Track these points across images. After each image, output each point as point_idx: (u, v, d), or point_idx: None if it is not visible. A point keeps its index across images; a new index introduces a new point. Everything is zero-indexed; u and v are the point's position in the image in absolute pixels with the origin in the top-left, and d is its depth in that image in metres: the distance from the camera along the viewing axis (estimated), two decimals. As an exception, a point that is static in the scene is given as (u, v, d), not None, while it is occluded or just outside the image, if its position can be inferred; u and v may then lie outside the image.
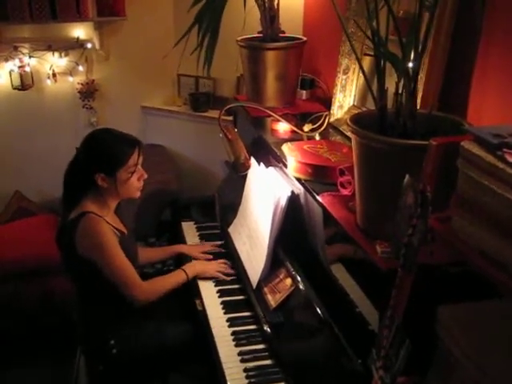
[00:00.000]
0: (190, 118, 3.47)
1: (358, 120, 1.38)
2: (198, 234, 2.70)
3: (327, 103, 2.71)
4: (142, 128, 3.52)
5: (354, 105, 2.26)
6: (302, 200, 1.98)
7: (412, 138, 1.29)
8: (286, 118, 2.09)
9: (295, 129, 2.05)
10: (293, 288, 1.91)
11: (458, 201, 1.05)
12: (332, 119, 2.33)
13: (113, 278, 2.00)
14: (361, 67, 1.47)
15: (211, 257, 2.43)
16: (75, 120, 3.47)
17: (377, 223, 1.38)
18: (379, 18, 1.37)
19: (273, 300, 1.94)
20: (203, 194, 3.39)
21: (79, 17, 3.11)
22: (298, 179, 1.82)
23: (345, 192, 1.65)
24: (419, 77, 1.38)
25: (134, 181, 2.07)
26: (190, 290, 2.28)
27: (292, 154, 1.81)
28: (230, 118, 3.30)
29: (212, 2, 1.33)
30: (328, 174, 1.73)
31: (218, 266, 2.29)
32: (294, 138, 2.22)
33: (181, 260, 2.57)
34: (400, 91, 1.33)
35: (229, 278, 2.27)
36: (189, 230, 2.74)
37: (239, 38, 2.62)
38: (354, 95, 2.26)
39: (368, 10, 1.30)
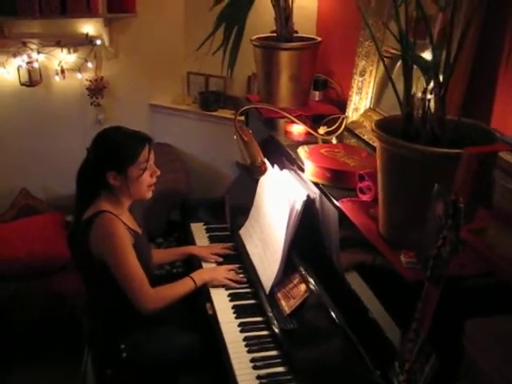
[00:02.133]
0: (199, 117, 3.42)
1: (383, 126, 1.34)
2: (207, 235, 2.66)
3: (340, 105, 2.67)
4: (150, 126, 3.46)
5: (370, 107, 2.21)
6: (318, 204, 1.94)
7: (440, 145, 1.26)
8: (302, 120, 2.04)
9: (312, 132, 2.01)
10: (307, 294, 1.87)
11: (495, 213, 1.01)
12: (344, 121, 2.28)
13: (122, 283, 1.97)
14: (386, 70, 1.42)
15: (221, 259, 2.39)
16: (83, 117, 3.43)
17: (401, 232, 1.34)
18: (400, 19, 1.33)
19: (287, 306, 1.91)
20: (212, 194, 3.35)
21: (89, 13, 3.06)
22: (316, 183, 1.78)
23: (364, 198, 1.62)
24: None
25: (146, 178, 2.03)
26: (200, 294, 2.24)
27: (310, 158, 1.77)
28: (242, 118, 3.27)
29: (237, 2, 1.28)
30: (347, 179, 1.70)
31: (226, 273, 2.23)
32: (309, 140, 2.18)
33: (189, 261, 2.54)
34: (427, 97, 1.29)
35: (238, 285, 2.22)
36: (198, 231, 2.70)
37: (253, 38, 2.58)
38: (371, 98, 2.21)
39: (397, 12, 1.26)
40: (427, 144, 1.27)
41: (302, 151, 1.98)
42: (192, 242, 2.65)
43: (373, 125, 1.35)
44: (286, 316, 1.88)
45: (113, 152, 1.98)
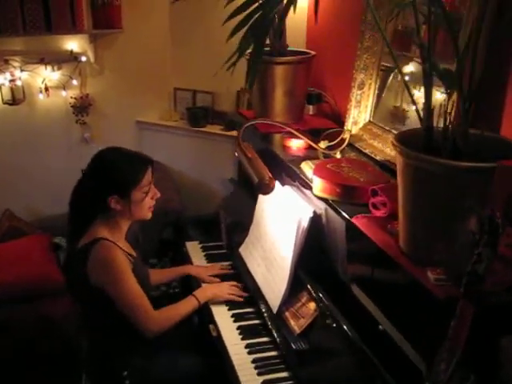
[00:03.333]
0: (187, 134, 3.37)
1: (403, 139, 1.32)
2: (203, 254, 2.60)
3: (335, 118, 2.66)
4: (138, 144, 3.41)
5: (370, 121, 2.20)
6: (323, 219, 1.91)
7: (463, 158, 1.23)
8: (306, 135, 2.01)
9: (317, 147, 1.98)
10: (317, 313, 1.82)
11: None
12: (346, 135, 2.26)
13: (125, 310, 1.90)
14: (406, 85, 1.39)
15: (219, 280, 2.33)
16: (68, 136, 3.35)
17: (425, 248, 1.31)
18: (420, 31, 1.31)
19: (296, 325, 1.86)
20: (203, 211, 3.29)
21: (74, 29, 3.00)
22: (325, 200, 1.75)
23: (378, 213, 1.59)
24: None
25: (148, 200, 1.97)
26: (202, 315, 2.18)
27: (318, 174, 1.74)
28: (230, 133, 3.23)
29: (262, 14, 1.23)
30: (357, 194, 1.67)
31: (229, 289, 2.20)
32: (309, 155, 2.15)
33: (186, 281, 2.47)
34: (449, 109, 1.27)
35: (242, 299, 2.18)
36: (194, 250, 2.64)
37: (247, 52, 2.54)
38: (371, 111, 2.20)
39: (417, 24, 1.24)
40: (449, 157, 1.25)
41: (307, 166, 1.95)
42: (188, 261, 2.58)
43: (393, 139, 1.32)
44: (296, 336, 1.83)
45: (115, 176, 1.91)
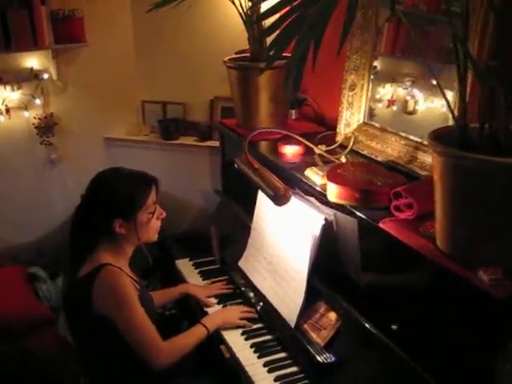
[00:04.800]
0: (159, 147, 3.25)
1: (439, 138, 1.28)
2: (197, 271, 2.50)
3: (319, 122, 2.62)
4: (107, 161, 3.24)
5: (364, 122, 2.16)
6: (334, 225, 1.86)
7: (504, 154, 1.21)
8: (309, 140, 1.96)
9: (321, 152, 1.92)
10: (340, 323, 1.77)
11: None
12: (339, 138, 2.22)
13: (134, 342, 1.77)
14: (440, 86, 1.35)
15: (215, 302, 2.22)
16: (33, 158, 3.15)
17: (472, 248, 1.27)
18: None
19: (318, 338, 1.79)
20: (184, 227, 3.19)
21: (35, 45, 2.82)
22: (341, 206, 1.69)
23: (402, 216, 1.54)
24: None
25: (154, 221, 1.87)
26: (210, 337, 2.08)
27: (333, 179, 1.68)
28: (205, 143, 3.14)
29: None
30: (378, 198, 1.62)
31: (239, 314, 2.08)
32: (306, 161, 2.10)
33: (182, 301, 2.35)
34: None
35: (254, 326, 2.07)
36: (186, 268, 2.54)
37: (226, 59, 2.48)
38: (364, 112, 2.16)
39: (450, 16, 1.21)
40: (487, 154, 1.22)
41: (312, 173, 1.89)
42: (182, 280, 2.48)
43: (428, 138, 1.29)
44: (320, 349, 1.77)
45: (119, 199, 1.79)
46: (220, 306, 2.19)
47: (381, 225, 1.52)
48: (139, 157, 3.29)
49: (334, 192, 1.69)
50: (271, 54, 1.24)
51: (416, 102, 2.00)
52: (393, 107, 2.10)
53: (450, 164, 1.25)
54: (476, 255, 1.27)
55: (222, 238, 2.55)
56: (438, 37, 1.81)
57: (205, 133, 3.15)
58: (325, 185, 1.81)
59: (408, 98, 2.02)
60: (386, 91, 2.10)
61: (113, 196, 1.80)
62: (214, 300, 2.23)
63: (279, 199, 1.69)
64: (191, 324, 2.13)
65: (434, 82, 1.83)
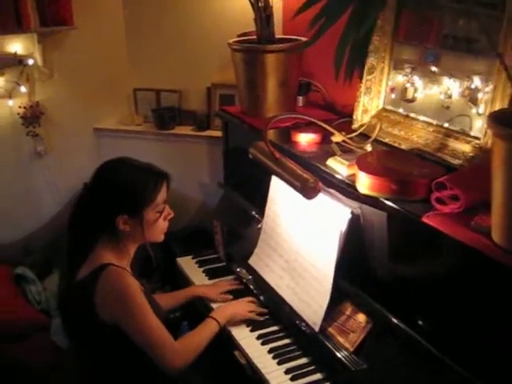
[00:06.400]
0: (153, 138, 3.06)
1: (500, 122, 1.14)
2: (201, 270, 2.33)
3: (328, 109, 2.47)
4: (97, 153, 3.06)
5: (384, 108, 2.01)
6: (361, 219, 1.71)
7: None
8: (334, 127, 1.80)
9: (349, 142, 1.76)
10: (370, 325, 1.62)
11: None
12: (356, 125, 2.07)
13: (145, 345, 1.61)
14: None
15: (231, 297, 2.10)
16: (18, 150, 2.93)
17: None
18: None
19: (347, 342, 1.64)
20: (182, 223, 3.01)
21: (19, 28, 2.61)
22: (374, 198, 1.54)
23: (447, 209, 1.40)
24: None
25: (161, 222, 1.70)
26: (222, 343, 1.92)
27: (365, 170, 1.53)
28: (203, 133, 2.96)
29: None
30: (416, 189, 1.47)
31: (248, 306, 1.97)
32: (324, 150, 1.94)
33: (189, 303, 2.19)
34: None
35: (262, 318, 1.95)
36: (189, 266, 2.37)
37: (231, 41, 2.30)
38: (384, 97, 2.01)
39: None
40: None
41: (336, 162, 1.74)
42: (185, 279, 2.32)
43: (489, 121, 1.14)
44: (350, 354, 1.62)
45: (126, 192, 1.62)
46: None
47: (425, 219, 1.37)
48: (132, 148, 3.08)
49: (365, 183, 1.54)
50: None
51: (415, 90, 1.90)
52: (391, 95, 1.98)
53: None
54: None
55: (227, 233, 2.39)
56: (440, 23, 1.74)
57: (202, 122, 2.97)
58: (351, 175, 1.66)
59: (408, 85, 1.93)
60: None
61: (120, 188, 1.62)
62: (228, 296, 2.10)
63: (308, 192, 1.53)
64: (191, 324, 1.99)
65: (434, 69, 1.79)
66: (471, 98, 1.70)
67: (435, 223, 1.35)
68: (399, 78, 1.95)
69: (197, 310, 2.12)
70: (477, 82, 1.66)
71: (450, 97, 1.78)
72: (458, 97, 1.74)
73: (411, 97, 1.93)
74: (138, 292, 1.61)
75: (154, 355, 1.62)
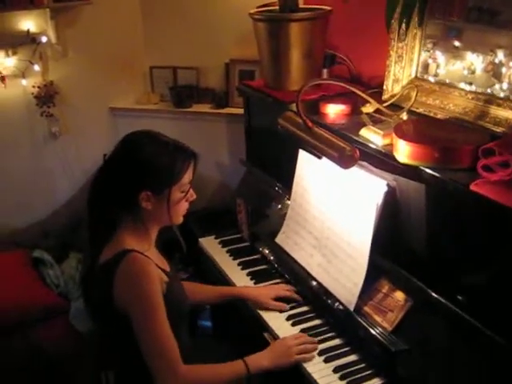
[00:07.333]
0: (171, 116, 2.97)
1: None
2: (225, 250, 2.25)
3: (354, 81, 2.36)
4: (114, 133, 2.96)
5: (416, 77, 1.91)
6: (398, 192, 1.62)
7: None
8: (372, 96, 1.70)
9: (385, 110, 1.68)
10: (410, 303, 1.54)
11: None
12: (386, 96, 1.97)
13: (146, 348, 1.45)
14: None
15: (287, 307, 1.84)
16: (32, 131, 2.85)
17: None
18: None
19: (385, 321, 1.56)
20: (201, 203, 2.93)
21: (32, 3, 2.52)
22: (414, 167, 1.44)
23: (495, 177, 1.30)
24: None
25: (183, 203, 1.60)
26: (248, 323, 1.84)
27: (405, 138, 1.43)
28: (222, 110, 2.87)
29: None
30: (461, 157, 1.38)
31: (296, 348, 1.62)
32: (354, 121, 1.85)
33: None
34: None
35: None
36: (212, 246, 2.30)
37: (253, 11, 2.20)
38: (417, 65, 1.91)
39: None
40: None
41: (369, 132, 1.64)
42: (208, 260, 2.24)
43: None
44: (389, 334, 1.53)
45: (152, 167, 1.52)
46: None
47: (473, 188, 1.28)
48: (149, 127, 2.94)
49: (405, 152, 1.44)
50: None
51: (438, 66, 1.83)
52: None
53: None
54: None
55: (250, 212, 2.30)
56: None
57: (221, 99, 2.87)
58: (388, 145, 1.57)
59: (430, 61, 1.86)
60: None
61: (146, 162, 1.52)
62: (284, 305, 1.85)
63: (346, 161, 1.44)
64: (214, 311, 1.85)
65: (456, 44, 1.72)
66: (495, 72, 1.63)
67: (485, 191, 1.25)
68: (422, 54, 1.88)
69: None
70: (500, 56, 1.60)
71: (473, 72, 1.71)
72: (480, 72, 1.67)
73: (434, 73, 1.86)
74: (157, 290, 1.47)
75: (151, 364, 1.44)
